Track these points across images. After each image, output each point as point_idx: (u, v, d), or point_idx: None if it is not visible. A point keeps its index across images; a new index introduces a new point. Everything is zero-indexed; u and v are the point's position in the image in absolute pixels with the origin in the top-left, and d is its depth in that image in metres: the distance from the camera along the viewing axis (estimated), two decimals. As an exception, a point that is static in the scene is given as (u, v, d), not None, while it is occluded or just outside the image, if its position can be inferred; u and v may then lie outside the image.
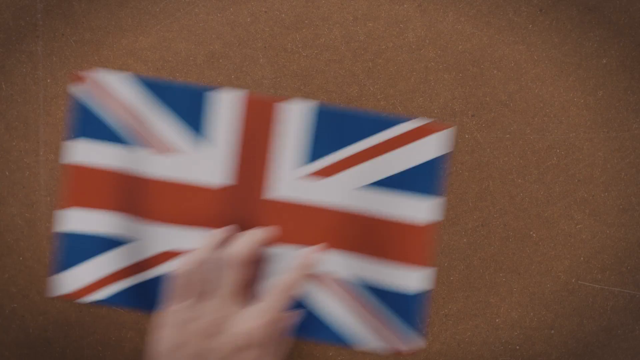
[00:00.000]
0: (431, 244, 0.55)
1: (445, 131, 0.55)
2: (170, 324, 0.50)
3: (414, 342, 0.56)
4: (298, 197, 0.56)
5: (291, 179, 0.56)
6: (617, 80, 0.55)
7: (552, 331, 0.57)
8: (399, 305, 0.56)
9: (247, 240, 0.52)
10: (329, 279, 0.56)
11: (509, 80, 0.55)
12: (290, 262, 0.55)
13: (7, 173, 0.58)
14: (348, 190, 0.55)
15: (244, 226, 0.56)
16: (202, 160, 0.56)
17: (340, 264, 0.56)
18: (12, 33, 0.57)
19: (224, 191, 0.56)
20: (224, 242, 0.54)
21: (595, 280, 0.56)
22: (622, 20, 0.54)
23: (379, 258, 0.55)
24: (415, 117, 0.55)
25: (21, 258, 0.58)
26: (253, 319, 0.49)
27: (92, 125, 0.56)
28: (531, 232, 0.56)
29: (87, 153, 0.56)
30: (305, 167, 0.55)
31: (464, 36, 0.55)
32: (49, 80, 0.57)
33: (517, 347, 0.57)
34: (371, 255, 0.55)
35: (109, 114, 0.56)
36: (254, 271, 0.56)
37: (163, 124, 0.56)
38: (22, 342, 0.59)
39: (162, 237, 0.56)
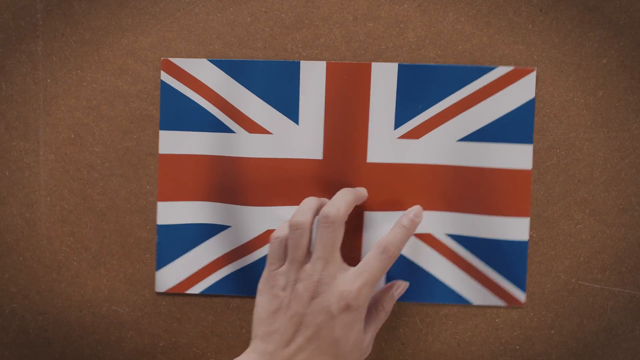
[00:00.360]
0: (527, 192, 0.55)
1: (529, 76, 0.54)
2: (269, 289, 0.50)
3: (516, 295, 0.56)
4: (395, 158, 0.55)
5: (386, 141, 0.55)
6: (617, 80, 0.55)
7: (552, 331, 0.57)
8: (500, 258, 0.55)
9: (342, 200, 0.51)
10: (432, 238, 0.56)
11: (509, 80, 0.55)
12: (392, 223, 0.55)
13: (7, 173, 0.58)
14: (443, 146, 0.55)
15: None
16: (294, 135, 0.56)
17: (441, 222, 0.56)
18: (12, 33, 0.57)
19: (320, 163, 0.56)
20: (318, 208, 0.52)
21: (595, 280, 0.56)
22: (622, 20, 0.54)
23: (478, 211, 0.55)
24: (496, 66, 0.55)
25: (21, 258, 0.59)
26: (351, 281, 0.49)
27: (181, 115, 0.56)
28: (531, 232, 0.56)
29: (178, 143, 0.56)
30: (399, 128, 0.55)
31: (464, 36, 0.55)
32: (49, 80, 0.57)
33: (517, 347, 0.57)
34: (470, 209, 0.55)
35: (196, 101, 0.56)
36: (352, 232, 0.56)
37: (250, 103, 0.56)
38: (22, 342, 0.59)
39: (261, 218, 0.56)
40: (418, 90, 0.55)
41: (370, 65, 0.55)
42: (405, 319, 0.57)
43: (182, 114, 0.56)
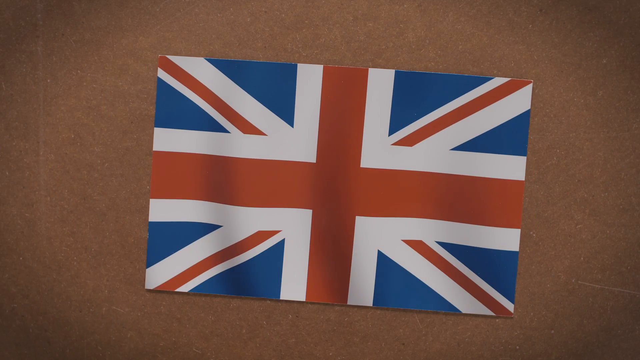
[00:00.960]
0: (519, 203, 0.55)
1: (525, 88, 0.54)
2: None
3: (504, 305, 0.56)
4: (388, 164, 0.55)
5: (380, 147, 0.55)
6: (617, 80, 0.55)
7: (552, 331, 0.57)
8: (489, 268, 0.55)
9: None
10: (422, 245, 0.56)
11: (509, 80, 0.55)
12: (384, 229, 0.55)
13: (7, 173, 0.58)
14: (436, 154, 0.55)
15: (337, 199, 0.56)
16: (289, 137, 0.56)
17: (432, 229, 0.56)
18: (12, 33, 0.57)
19: (314, 166, 0.56)
20: None
21: (595, 280, 0.56)
22: (622, 20, 0.54)
23: (469, 220, 0.55)
24: (492, 77, 0.54)
25: (21, 258, 0.58)
26: None
27: (176, 112, 0.56)
28: (531, 232, 0.56)
29: (173, 141, 0.56)
30: (393, 134, 0.55)
31: (464, 36, 0.55)
32: (49, 80, 0.57)
33: (517, 347, 0.57)
34: (462, 218, 0.55)
35: (192, 99, 0.56)
36: (343, 238, 0.55)
37: (246, 104, 0.55)
38: (22, 342, 0.59)
39: (252, 219, 0.56)
40: (414, 98, 0.55)
41: (367, 70, 0.55)
42: (405, 319, 0.57)
43: (178, 112, 0.56)
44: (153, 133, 0.57)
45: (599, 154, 0.55)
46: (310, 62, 0.56)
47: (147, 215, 0.58)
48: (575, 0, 0.55)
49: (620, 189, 0.56)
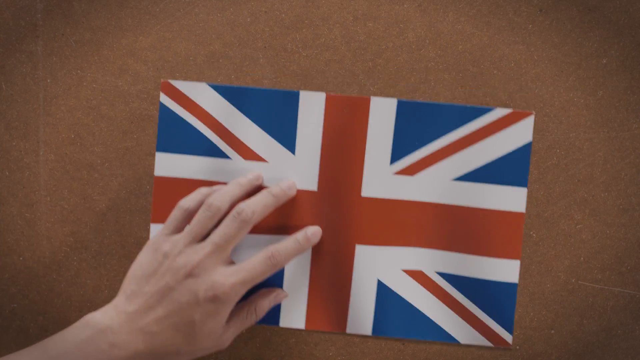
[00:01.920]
0: (519, 234, 0.55)
1: (526, 119, 0.54)
2: (152, 251, 0.50)
3: (503, 336, 0.56)
4: (390, 194, 0.55)
5: (382, 176, 0.55)
6: (617, 80, 0.55)
7: (552, 331, 0.57)
8: (488, 299, 0.55)
9: (261, 203, 0.51)
10: (422, 275, 0.56)
11: (509, 80, 0.55)
12: (384, 257, 0.55)
13: (7, 173, 0.58)
14: (438, 184, 0.55)
15: (337, 227, 0.56)
16: (290, 165, 0.56)
17: (432, 260, 0.56)
18: (12, 33, 0.57)
19: (315, 195, 0.55)
20: (238, 199, 0.53)
21: (595, 280, 0.56)
22: (622, 20, 0.54)
23: (469, 251, 0.55)
24: (494, 107, 0.55)
25: (21, 258, 0.58)
26: (227, 275, 0.49)
27: (178, 137, 0.56)
28: (531, 232, 0.56)
29: (174, 166, 0.56)
30: (395, 163, 0.55)
31: (464, 36, 0.55)
32: (49, 80, 0.57)
33: (517, 347, 0.57)
34: (462, 248, 0.55)
35: (194, 125, 0.56)
36: (343, 265, 0.56)
37: (247, 131, 0.55)
38: (22, 342, 0.59)
39: (252, 246, 0.56)
40: (416, 127, 0.55)
41: (369, 99, 0.55)
42: (405, 319, 0.57)
43: (179, 137, 0.56)
44: (153, 133, 0.57)
45: (599, 154, 0.55)
46: (310, 62, 0.56)
47: (147, 215, 0.58)
48: (575, 0, 0.55)
49: (620, 189, 0.56)
